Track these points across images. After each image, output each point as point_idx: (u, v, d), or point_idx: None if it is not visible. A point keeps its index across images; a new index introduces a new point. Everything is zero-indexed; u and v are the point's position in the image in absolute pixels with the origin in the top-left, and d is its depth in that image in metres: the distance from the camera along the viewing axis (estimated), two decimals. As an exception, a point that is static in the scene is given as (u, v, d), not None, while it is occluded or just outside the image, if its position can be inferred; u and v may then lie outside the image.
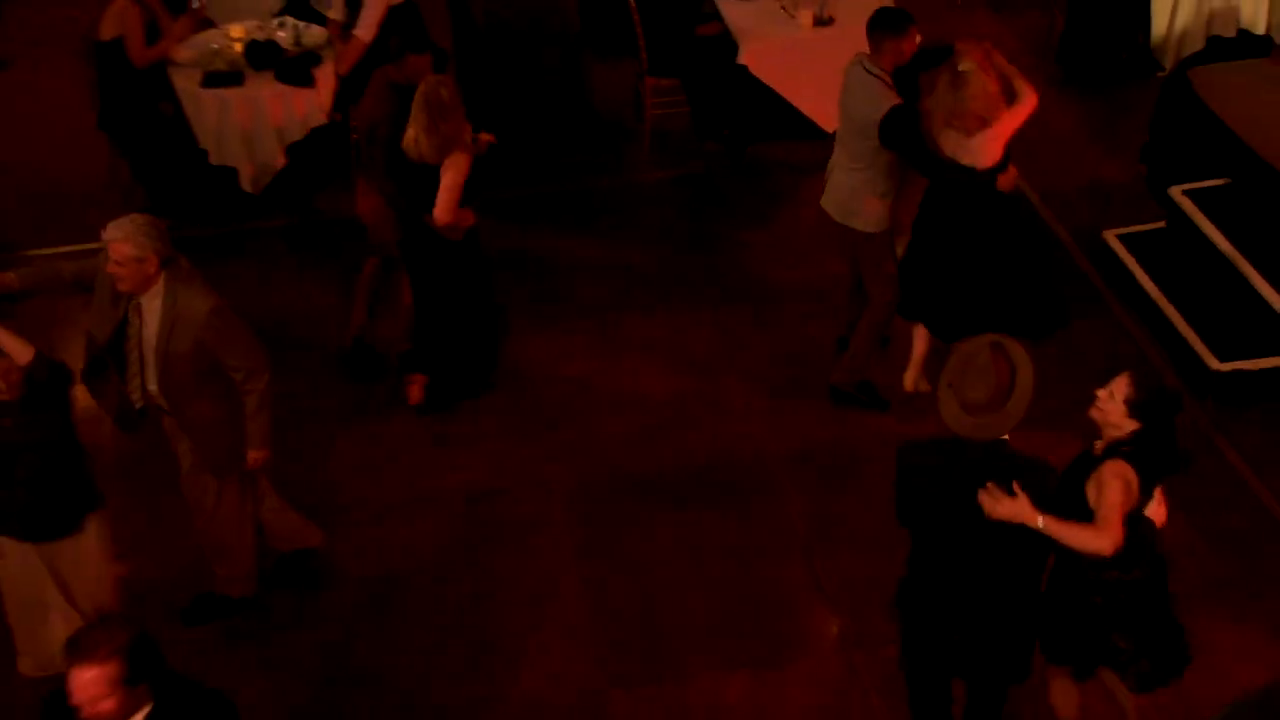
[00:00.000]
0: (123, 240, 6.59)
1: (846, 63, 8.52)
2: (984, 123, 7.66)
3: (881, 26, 8.20)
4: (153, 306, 6.79)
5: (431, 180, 8.14)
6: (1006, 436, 5.73)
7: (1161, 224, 9.75)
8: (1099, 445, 5.86)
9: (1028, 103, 7.81)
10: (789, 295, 9.73)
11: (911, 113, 8.00)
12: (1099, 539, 5.55)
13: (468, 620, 7.68)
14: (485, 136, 8.67)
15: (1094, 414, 5.89)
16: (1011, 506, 5.53)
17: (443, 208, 8.13)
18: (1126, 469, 5.66)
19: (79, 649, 4.75)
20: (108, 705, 4.74)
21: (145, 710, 4.89)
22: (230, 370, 6.94)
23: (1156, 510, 5.93)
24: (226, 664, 7.41)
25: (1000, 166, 7.86)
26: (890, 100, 8.01)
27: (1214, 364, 8.66)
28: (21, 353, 6.37)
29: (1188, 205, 9.46)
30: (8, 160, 11.42)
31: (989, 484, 5.56)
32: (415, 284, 8.68)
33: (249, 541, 7.52)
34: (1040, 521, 5.54)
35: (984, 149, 7.75)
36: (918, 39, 8.23)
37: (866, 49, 8.27)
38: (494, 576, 7.92)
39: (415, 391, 8.94)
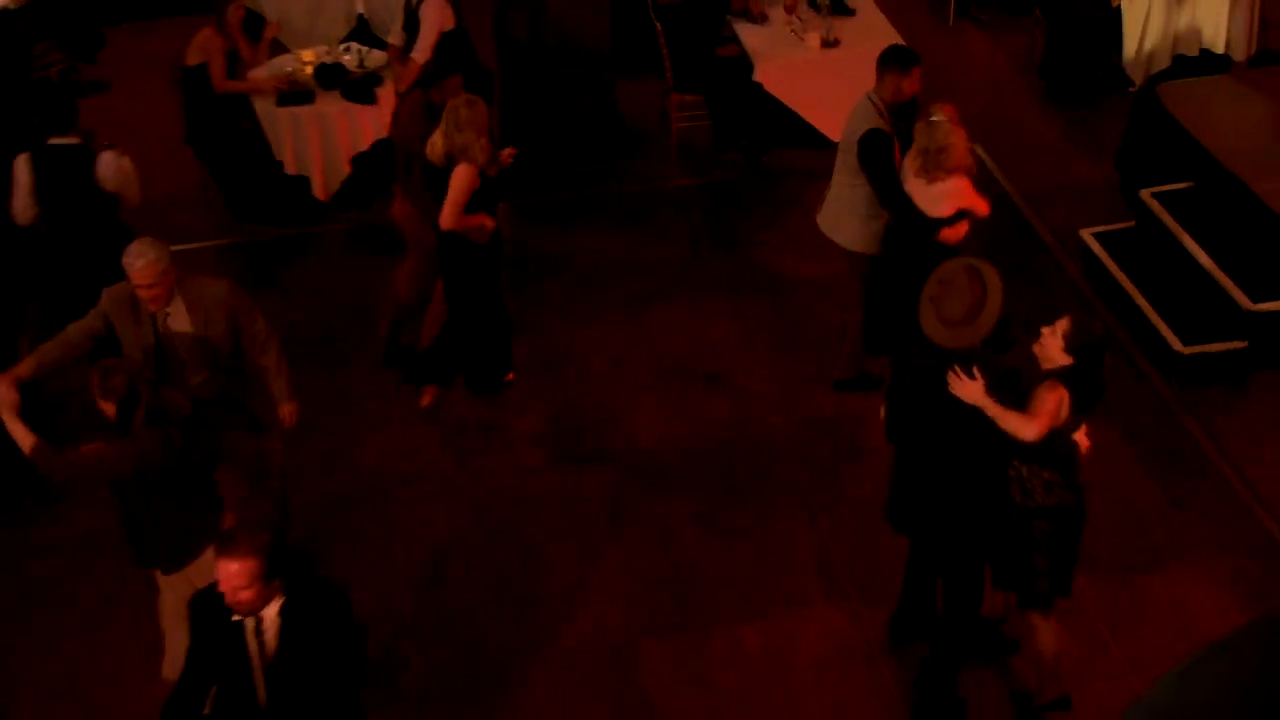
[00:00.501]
0: (153, 259, 6.59)
1: (851, 81, 8.53)
2: (947, 174, 7.53)
3: (887, 62, 8.10)
4: (178, 309, 6.79)
5: (445, 185, 8.08)
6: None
7: (1132, 223, 9.72)
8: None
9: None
10: (801, 288, 9.72)
11: (886, 139, 7.94)
12: (1027, 426, 5.87)
13: (513, 583, 7.69)
14: (508, 151, 8.62)
15: (1035, 347, 6.04)
16: (968, 387, 5.88)
17: (444, 214, 8.03)
18: (1062, 390, 5.90)
19: (226, 545, 4.97)
20: (247, 594, 4.96)
21: (279, 602, 5.11)
22: (252, 336, 6.99)
23: (1081, 440, 6.12)
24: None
25: (947, 221, 7.66)
26: (873, 123, 7.95)
27: (1179, 347, 8.65)
28: None
29: (1156, 206, 9.44)
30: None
31: (955, 366, 5.89)
32: (446, 283, 8.62)
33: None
34: (986, 402, 5.88)
35: (940, 200, 7.62)
36: (918, 81, 8.14)
37: (869, 69, 8.25)
38: (535, 543, 7.93)
39: (427, 398, 8.91)
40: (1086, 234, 9.74)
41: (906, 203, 7.75)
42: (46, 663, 7.35)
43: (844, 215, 8.36)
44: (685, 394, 8.91)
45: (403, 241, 9.05)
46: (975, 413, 5.89)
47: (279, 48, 11.24)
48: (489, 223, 8.17)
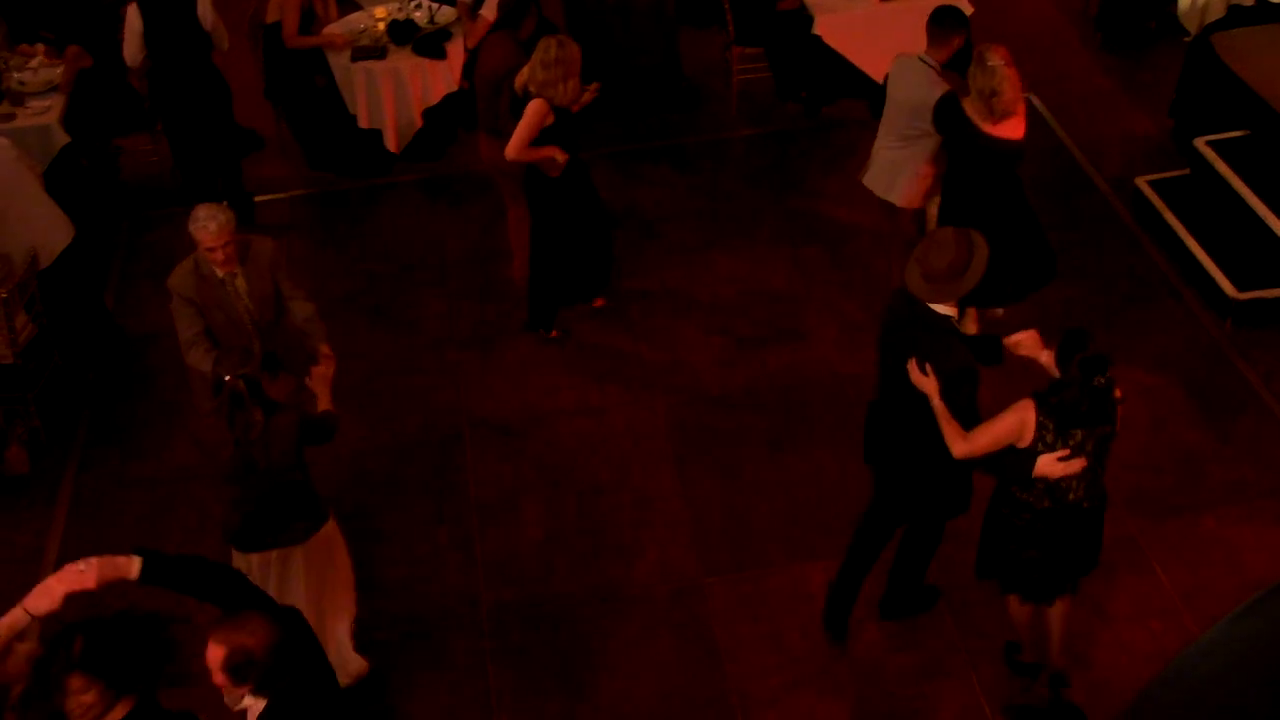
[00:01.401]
0: (224, 222, 6.61)
1: (908, 33, 8.42)
2: (1001, 117, 7.46)
3: (939, 23, 8.01)
4: (238, 271, 6.84)
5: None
6: (954, 314, 5.90)
7: (1187, 171, 9.60)
8: None
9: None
10: (859, 236, 9.64)
11: (955, 100, 7.78)
12: (956, 442, 5.76)
13: (582, 521, 7.72)
14: (593, 86, 8.49)
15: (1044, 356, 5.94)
16: (924, 381, 5.82)
17: (510, 144, 8.05)
18: (1029, 411, 5.64)
19: (221, 626, 4.55)
20: (218, 679, 4.53)
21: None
22: (291, 291, 7.00)
23: (1064, 463, 5.66)
24: (370, 550, 7.53)
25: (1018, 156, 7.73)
26: (942, 88, 7.82)
27: (1233, 293, 8.56)
28: None
29: (1211, 155, 9.33)
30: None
31: (914, 359, 5.85)
32: (532, 214, 8.64)
33: None
34: (936, 403, 5.80)
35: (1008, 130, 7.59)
36: (965, 37, 8.06)
37: (927, 20, 8.15)
38: (602, 483, 7.95)
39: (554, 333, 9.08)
40: (1142, 182, 9.63)
41: (992, 146, 7.64)
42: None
43: (900, 174, 8.33)
44: (746, 339, 8.87)
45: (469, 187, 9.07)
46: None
47: (352, 5, 11.25)
48: (560, 156, 8.12)
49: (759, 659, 6.84)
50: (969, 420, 5.78)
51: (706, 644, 6.94)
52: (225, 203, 6.82)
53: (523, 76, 8.04)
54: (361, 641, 6.86)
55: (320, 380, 6.60)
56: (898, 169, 8.34)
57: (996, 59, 7.38)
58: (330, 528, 6.44)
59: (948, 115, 7.77)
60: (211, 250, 6.65)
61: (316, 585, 6.42)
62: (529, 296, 9.01)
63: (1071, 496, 5.78)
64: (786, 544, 7.45)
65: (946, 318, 5.89)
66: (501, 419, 8.43)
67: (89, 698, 4.35)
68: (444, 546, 7.62)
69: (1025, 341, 6.08)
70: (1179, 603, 6.84)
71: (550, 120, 8.00)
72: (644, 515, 7.70)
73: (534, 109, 7.93)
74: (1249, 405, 8.06)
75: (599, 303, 9.20)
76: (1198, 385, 8.21)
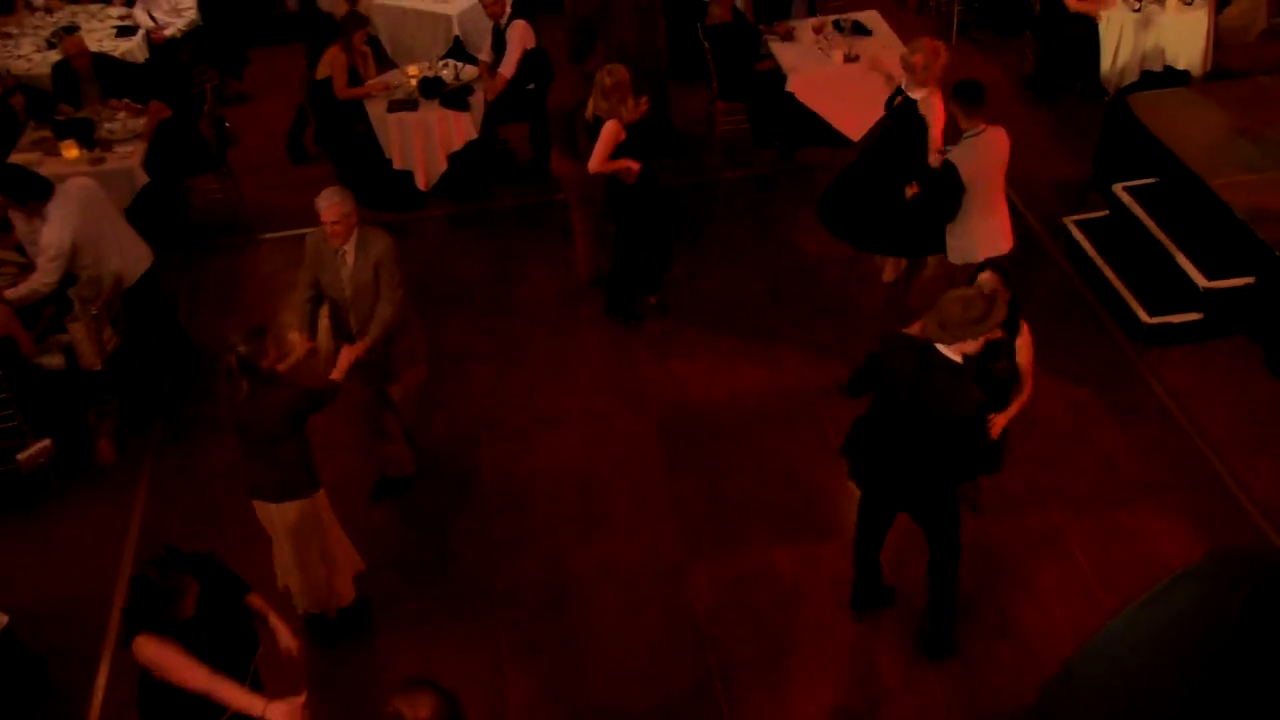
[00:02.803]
0: (338, 203, 6.78)
1: (869, 90, 8.46)
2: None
3: (972, 98, 7.78)
4: (348, 252, 6.94)
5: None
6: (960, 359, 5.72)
7: (1106, 212, 9.63)
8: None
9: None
10: (827, 263, 9.66)
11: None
12: (1027, 390, 6.53)
13: (583, 510, 7.73)
14: (643, 99, 8.48)
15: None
16: (999, 421, 6.42)
17: (591, 162, 8.31)
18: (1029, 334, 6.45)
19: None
20: None
21: None
22: (384, 289, 6.97)
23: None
24: (403, 534, 7.55)
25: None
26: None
27: (1145, 318, 8.58)
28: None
29: (1127, 198, 9.37)
30: (252, 165, 11.56)
31: (991, 416, 6.36)
32: (614, 218, 8.85)
33: (398, 434, 7.69)
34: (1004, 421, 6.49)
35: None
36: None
37: (883, 80, 8.23)
38: (601, 477, 7.95)
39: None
40: (1068, 221, 9.65)
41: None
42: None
43: (972, 231, 8.02)
44: (727, 354, 8.88)
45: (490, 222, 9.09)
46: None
47: (389, 64, 11.27)
48: (634, 165, 8.33)
49: (736, 631, 6.85)
50: (989, 453, 5.96)
51: (690, 618, 6.94)
52: (343, 188, 6.96)
53: (590, 108, 8.30)
54: (385, 612, 7.05)
55: (345, 353, 6.79)
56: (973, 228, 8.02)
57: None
58: (309, 504, 6.41)
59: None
60: (325, 224, 6.83)
61: (298, 545, 6.50)
62: (610, 289, 9.19)
63: None
64: (761, 531, 7.46)
65: (958, 364, 5.69)
66: (515, 422, 8.44)
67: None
68: (462, 530, 7.64)
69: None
70: (1097, 585, 6.86)
71: (622, 137, 8.22)
72: (636, 506, 7.71)
73: (608, 131, 8.18)
74: (1158, 414, 8.08)
75: (653, 299, 9.32)
76: (1114, 396, 8.23)
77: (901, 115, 8.18)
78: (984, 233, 7.95)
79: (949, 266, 8.34)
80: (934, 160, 8.02)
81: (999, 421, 6.53)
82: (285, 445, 6.22)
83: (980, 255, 7.74)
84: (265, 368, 6.05)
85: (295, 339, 7.20)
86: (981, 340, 5.69)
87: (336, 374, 6.64)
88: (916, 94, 8.09)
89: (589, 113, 8.33)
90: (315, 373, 7.31)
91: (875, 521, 6.51)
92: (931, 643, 6.59)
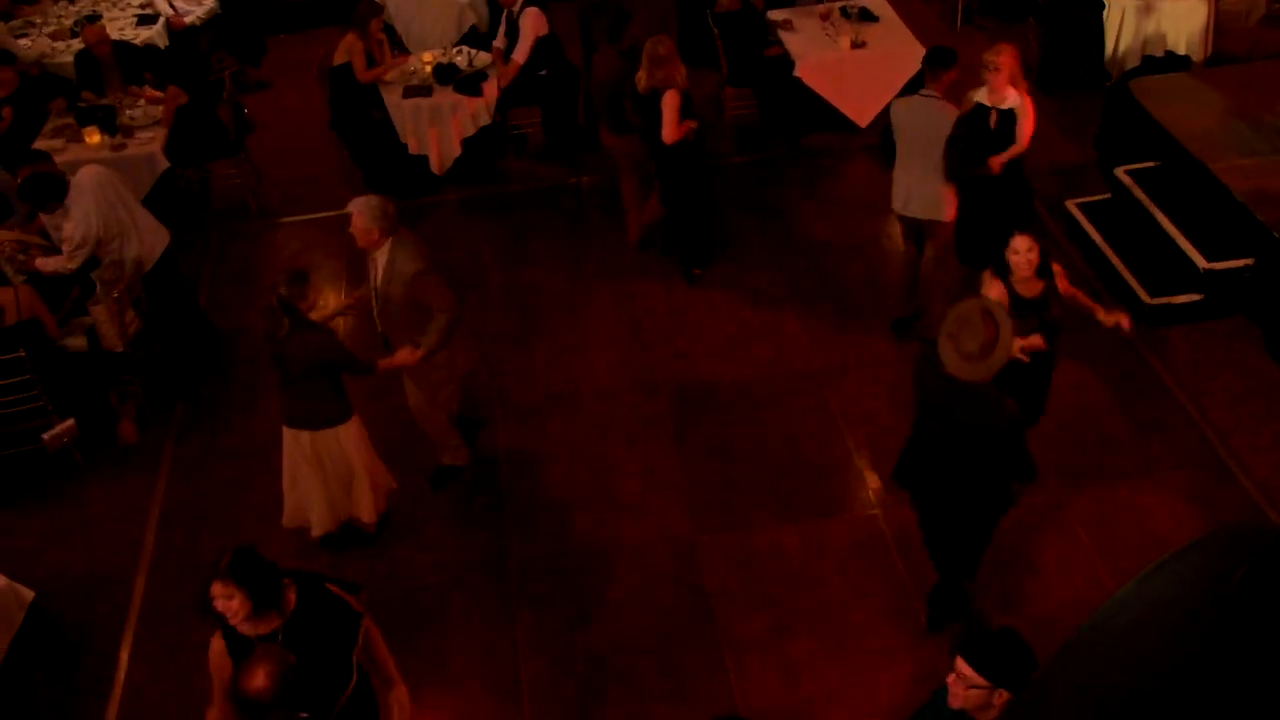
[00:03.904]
0: (358, 214, 6.77)
1: (875, 75, 8.38)
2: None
3: (933, 63, 7.82)
4: (380, 261, 6.91)
5: (654, 104, 8.52)
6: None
7: (1109, 196, 9.61)
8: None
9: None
10: (833, 248, 9.65)
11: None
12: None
13: (595, 488, 7.74)
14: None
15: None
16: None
17: (666, 131, 8.51)
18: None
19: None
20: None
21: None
22: (434, 310, 6.91)
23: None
24: (417, 511, 7.57)
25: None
26: (953, 112, 7.77)
27: (1146, 298, 8.57)
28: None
29: (1128, 181, 9.35)
30: (270, 150, 11.56)
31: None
32: (662, 181, 9.07)
33: (446, 425, 7.62)
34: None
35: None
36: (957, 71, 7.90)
37: (890, 66, 8.17)
38: (612, 455, 7.97)
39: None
40: (1071, 204, 9.63)
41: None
42: (229, 542, 7.48)
43: (941, 194, 8.00)
44: (735, 335, 8.88)
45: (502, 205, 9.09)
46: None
47: (404, 50, 11.26)
48: (694, 124, 8.61)
49: (743, 606, 6.86)
50: (1025, 461, 5.73)
51: (698, 593, 6.96)
52: (375, 196, 6.94)
53: (642, 80, 8.49)
54: (399, 587, 7.11)
55: (392, 358, 7.00)
56: (938, 191, 8.02)
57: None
58: (344, 431, 6.84)
59: (968, 127, 7.77)
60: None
61: (332, 469, 6.94)
62: (693, 244, 9.40)
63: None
64: (769, 510, 7.46)
65: (984, 387, 5.58)
66: (528, 400, 8.45)
67: (234, 603, 4.66)
68: (478, 507, 7.66)
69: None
70: (1098, 562, 6.86)
71: (680, 101, 8.44)
72: (647, 483, 7.72)
73: (671, 100, 8.41)
74: (1157, 393, 8.07)
75: (698, 270, 9.50)
76: (1115, 376, 8.21)
77: (1005, 128, 7.84)
78: (930, 194, 8.04)
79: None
80: (997, 164, 7.86)
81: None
82: (318, 381, 6.62)
83: (924, 214, 8.11)
84: (304, 308, 6.48)
85: (331, 300, 7.44)
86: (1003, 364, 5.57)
87: (384, 362, 6.93)
88: (1009, 102, 7.79)
89: (643, 86, 8.51)
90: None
91: (937, 537, 6.42)
92: (942, 614, 6.63)
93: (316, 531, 7.16)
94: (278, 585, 4.82)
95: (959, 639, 4.08)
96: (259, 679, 4.31)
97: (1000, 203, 7.95)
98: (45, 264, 8.08)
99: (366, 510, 7.19)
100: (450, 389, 7.40)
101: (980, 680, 4.01)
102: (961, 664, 4.03)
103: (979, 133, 7.75)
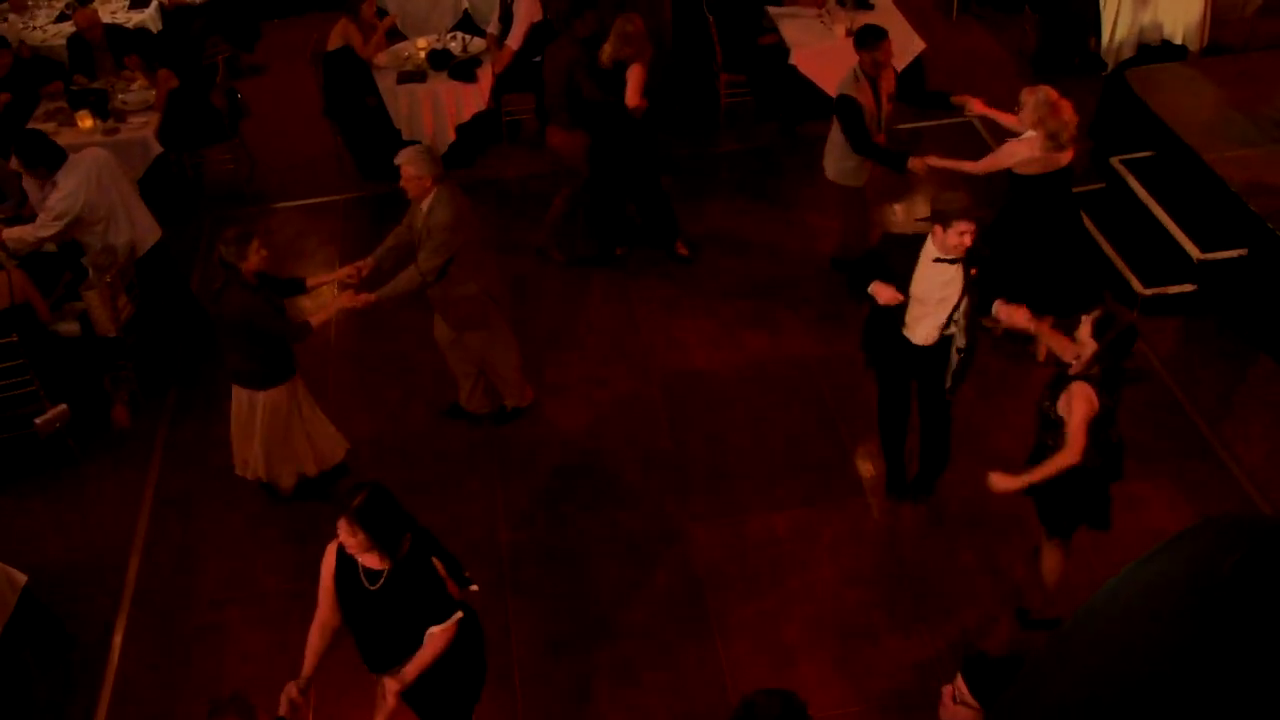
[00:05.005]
0: (408, 163, 6.92)
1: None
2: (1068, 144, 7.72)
3: (861, 41, 8.24)
4: (424, 207, 7.07)
5: (617, 77, 8.53)
6: None
7: (1104, 185, 9.62)
8: (1074, 366, 5.59)
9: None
10: (828, 235, 9.62)
11: (853, 103, 8.23)
12: (1070, 457, 5.57)
13: (588, 474, 7.75)
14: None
15: (1066, 341, 5.75)
16: (1006, 482, 5.80)
17: (631, 95, 8.54)
18: (1088, 389, 5.50)
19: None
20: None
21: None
22: (422, 256, 7.09)
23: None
24: (410, 500, 7.56)
25: None
26: (847, 89, 8.27)
27: (1140, 288, 8.58)
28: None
29: (1123, 171, 9.37)
30: (265, 134, 11.53)
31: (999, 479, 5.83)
32: (616, 149, 9.01)
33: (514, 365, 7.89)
34: (1026, 480, 5.74)
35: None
36: (888, 52, 8.23)
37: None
38: (606, 443, 7.98)
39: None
40: (1065, 193, 9.62)
41: (873, 150, 8.33)
42: (223, 528, 7.54)
43: (830, 154, 8.71)
44: (729, 323, 8.88)
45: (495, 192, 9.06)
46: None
47: (398, 36, 11.24)
48: (645, 103, 8.68)
49: (734, 592, 6.88)
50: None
51: (691, 579, 6.98)
52: (420, 145, 7.15)
53: (606, 53, 8.52)
54: None
55: (335, 299, 7.19)
56: (831, 149, 8.74)
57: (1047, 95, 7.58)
58: (285, 390, 7.03)
59: (841, 112, 8.32)
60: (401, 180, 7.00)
61: (268, 428, 7.13)
62: (607, 225, 9.49)
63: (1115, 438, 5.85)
64: (759, 495, 7.48)
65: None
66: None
67: (355, 540, 4.83)
68: (472, 494, 7.65)
69: (1017, 316, 6.05)
70: (1090, 550, 6.86)
71: (645, 76, 8.59)
72: (639, 470, 7.74)
73: (637, 72, 8.52)
74: (1151, 383, 8.08)
75: (684, 250, 9.56)
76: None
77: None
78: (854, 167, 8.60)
79: None
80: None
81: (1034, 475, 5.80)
82: (253, 343, 6.77)
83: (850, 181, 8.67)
84: (242, 269, 6.53)
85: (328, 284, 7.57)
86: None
87: (315, 318, 6.95)
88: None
89: (606, 58, 8.49)
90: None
91: (895, 403, 6.97)
92: (917, 482, 7.27)
93: (254, 477, 7.43)
94: (399, 536, 4.98)
95: (964, 658, 4.06)
96: None
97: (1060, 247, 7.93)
98: (11, 233, 7.96)
99: (288, 476, 7.42)
100: (498, 320, 7.58)
101: (972, 702, 4.01)
102: (960, 682, 4.02)
103: None
